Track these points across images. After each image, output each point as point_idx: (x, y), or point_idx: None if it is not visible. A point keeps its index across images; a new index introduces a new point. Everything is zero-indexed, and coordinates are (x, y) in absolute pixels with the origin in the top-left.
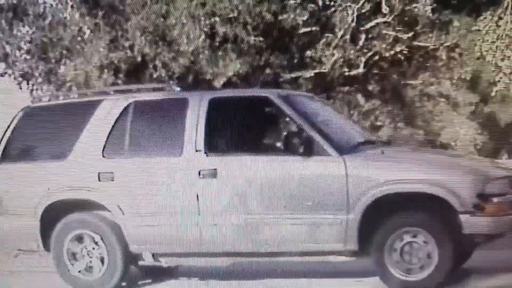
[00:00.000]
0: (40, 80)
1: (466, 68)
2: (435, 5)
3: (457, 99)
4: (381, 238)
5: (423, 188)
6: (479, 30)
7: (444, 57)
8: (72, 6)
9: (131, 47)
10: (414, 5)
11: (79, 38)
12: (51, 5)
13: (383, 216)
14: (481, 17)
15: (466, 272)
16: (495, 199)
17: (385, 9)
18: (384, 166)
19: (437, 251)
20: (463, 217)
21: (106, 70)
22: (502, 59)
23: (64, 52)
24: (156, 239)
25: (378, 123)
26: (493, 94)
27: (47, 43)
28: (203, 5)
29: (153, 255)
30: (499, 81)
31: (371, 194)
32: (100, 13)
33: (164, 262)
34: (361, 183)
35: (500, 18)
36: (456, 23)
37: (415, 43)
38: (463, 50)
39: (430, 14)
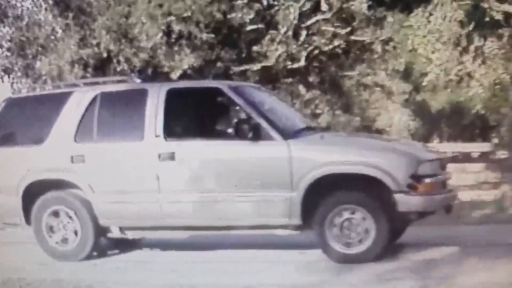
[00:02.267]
0: (19, 74)
1: (399, 60)
2: (370, 2)
3: (392, 88)
4: (322, 214)
5: (361, 169)
6: (411, 25)
7: (379, 50)
8: (46, 9)
9: (98, 45)
10: (351, 2)
11: (52, 37)
12: (28, 8)
13: (324, 194)
14: (413, 13)
15: (401, 246)
16: (427, 180)
17: (324, 7)
18: (324, 150)
19: (374, 226)
20: (397, 196)
21: (76, 65)
22: (433, 52)
23: (40, 49)
24: (122, 214)
25: (318, 111)
26: (424, 83)
27: (25, 41)
28: (161, 6)
29: (120, 228)
30: (430, 72)
31: (312, 175)
32: (71, 15)
33: (129, 235)
34: (303, 164)
35: (431, 14)
36: (390, 19)
37: (352, 37)
38: (396, 43)
39: (366, 11)
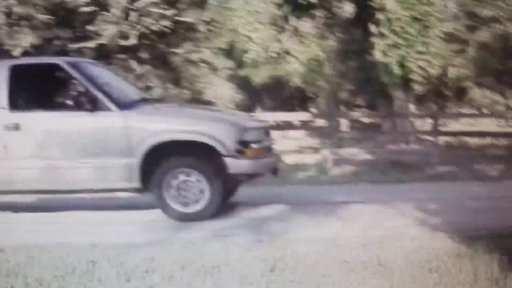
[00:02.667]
0: None
1: (222, 38)
2: None
3: (216, 65)
4: (159, 177)
5: (193, 137)
6: (231, 7)
7: (203, 29)
8: None
9: None
10: None
11: None
12: None
13: (160, 159)
14: None
15: (235, 205)
16: (253, 145)
17: None
18: (157, 119)
19: (208, 187)
20: (227, 160)
21: None
22: (252, 31)
23: None
24: None
25: (151, 85)
26: (246, 60)
27: None
28: None
29: None
30: (250, 49)
31: (147, 142)
32: None
33: None
34: (139, 133)
35: None
36: (212, 1)
37: (178, 18)
38: (219, 24)
39: None
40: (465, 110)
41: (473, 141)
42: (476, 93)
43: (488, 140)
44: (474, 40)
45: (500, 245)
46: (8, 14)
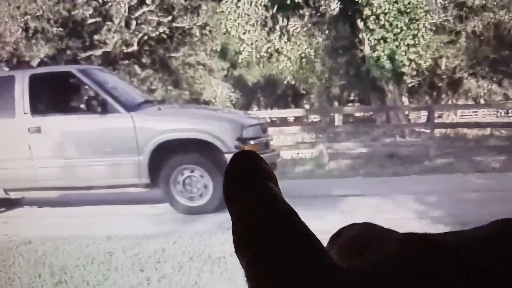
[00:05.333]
0: None
1: (216, 41)
2: None
3: (212, 66)
4: (166, 173)
5: (195, 135)
6: (223, 11)
7: (197, 34)
8: None
9: None
10: None
11: None
12: None
13: (166, 157)
14: (223, 1)
15: None
16: (251, 142)
17: (148, 0)
18: (162, 119)
19: (211, 182)
20: (228, 156)
21: None
22: (244, 33)
23: None
24: (5, 179)
25: (153, 87)
26: (239, 61)
27: None
28: (18, 7)
29: (4, 190)
30: (243, 50)
31: (154, 141)
32: None
33: (12, 195)
34: (146, 132)
35: (239, 0)
36: (204, 7)
37: (174, 24)
38: (212, 27)
39: (183, 1)
40: (461, 102)
41: (472, 132)
42: (472, 84)
43: (487, 131)
44: (465, 30)
45: None
46: (26, 29)
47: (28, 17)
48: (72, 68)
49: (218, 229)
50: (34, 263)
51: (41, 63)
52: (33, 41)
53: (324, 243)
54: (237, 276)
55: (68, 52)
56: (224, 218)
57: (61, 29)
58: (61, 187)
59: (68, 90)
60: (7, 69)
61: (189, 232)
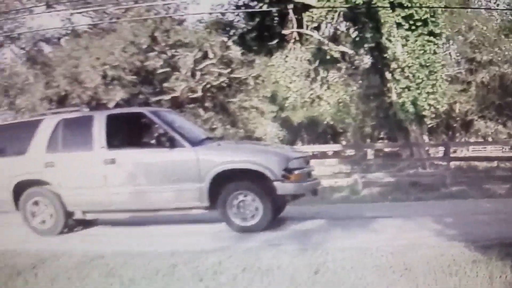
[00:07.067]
0: (5, 108)
1: (267, 89)
2: (242, 50)
3: (263, 109)
4: (223, 198)
5: (248, 166)
6: (273, 64)
7: (252, 83)
8: (21, 63)
9: (58, 86)
10: (229, 51)
11: (26, 82)
12: (8, 63)
13: (223, 184)
14: (274, 56)
15: (283, 219)
16: (296, 172)
17: (211, 55)
18: (221, 153)
19: (261, 206)
20: (276, 184)
21: (44, 101)
22: (290, 82)
23: (18, 91)
24: (83, 203)
25: (214, 127)
26: (286, 105)
27: (8, 85)
28: (98, 58)
29: (82, 212)
30: (289, 96)
31: (214, 170)
32: (38, 67)
33: (89, 216)
34: (207, 164)
35: (287, 56)
36: (257, 61)
37: (232, 75)
38: (264, 78)
39: (240, 56)
40: (472, 139)
41: (481, 165)
42: (481, 125)
43: (494, 164)
44: (475, 80)
45: (511, 252)
46: (104, 76)
47: (107, 66)
48: (145, 110)
49: (267, 246)
50: (106, 275)
51: (117, 106)
52: (110, 87)
53: (357, 255)
54: (283, 286)
55: (141, 96)
56: (272, 236)
57: (135, 77)
58: (132, 209)
59: (140, 128)
60: (87, 109)
61: (242, 248)
